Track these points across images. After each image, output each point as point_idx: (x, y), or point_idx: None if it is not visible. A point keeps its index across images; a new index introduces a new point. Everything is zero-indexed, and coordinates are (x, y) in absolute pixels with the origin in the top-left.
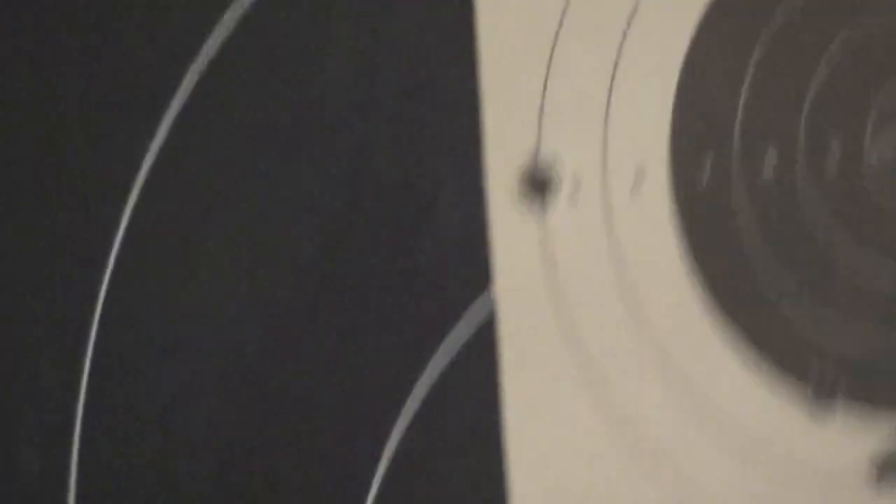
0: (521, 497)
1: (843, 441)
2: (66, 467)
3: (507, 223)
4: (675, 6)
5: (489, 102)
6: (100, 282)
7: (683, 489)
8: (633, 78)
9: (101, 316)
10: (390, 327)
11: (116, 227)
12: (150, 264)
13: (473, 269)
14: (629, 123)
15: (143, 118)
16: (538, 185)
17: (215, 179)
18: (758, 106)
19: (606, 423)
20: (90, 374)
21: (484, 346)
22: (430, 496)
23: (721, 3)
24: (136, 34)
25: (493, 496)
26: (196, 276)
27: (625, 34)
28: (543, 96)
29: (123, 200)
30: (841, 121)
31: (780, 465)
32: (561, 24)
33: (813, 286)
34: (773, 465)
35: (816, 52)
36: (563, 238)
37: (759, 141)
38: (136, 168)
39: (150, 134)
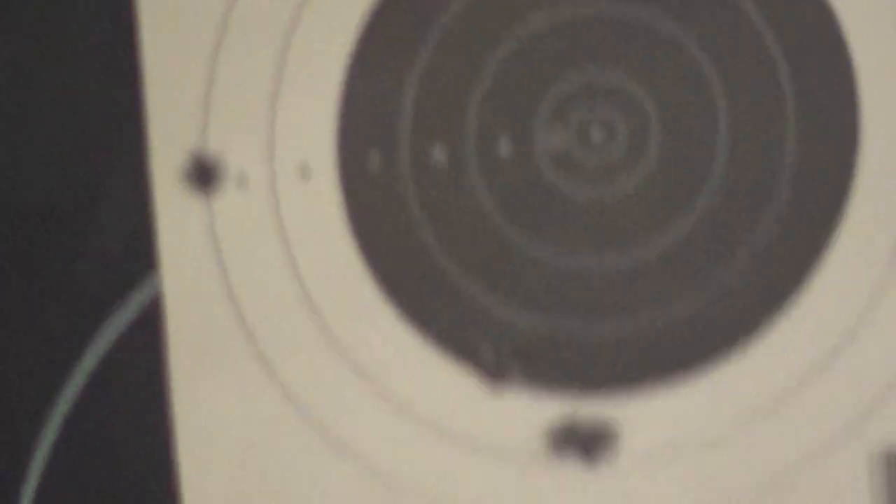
0: (191, 478)
1: (517, 417)
2: None
3: (173, 210)
4: (340, 5)
5: (152, 97)
6: None
7: (359, 465)
8: (299, 77)
9: None
10: (47, 309)
11: None
12: None
13: (139, 254)
14: (295, 121)
15: None
16: (203, 175)
17: None
18: (426, 102)
19: (278, 403)
20: None
21: (149, 328)
22: (95, 482)
23: (388, 2)
24: None
25: (162, 478)
26: None
27: (290, 33)
28: (209, 93)
29: None
30: (511, 115)
31: (456, 441)
32: (226, 22)
33: (485, 270)
34: (448, 441)
35: (485, 49)
36: (229, 223)
37: (427, 137)
38: None
39: None
